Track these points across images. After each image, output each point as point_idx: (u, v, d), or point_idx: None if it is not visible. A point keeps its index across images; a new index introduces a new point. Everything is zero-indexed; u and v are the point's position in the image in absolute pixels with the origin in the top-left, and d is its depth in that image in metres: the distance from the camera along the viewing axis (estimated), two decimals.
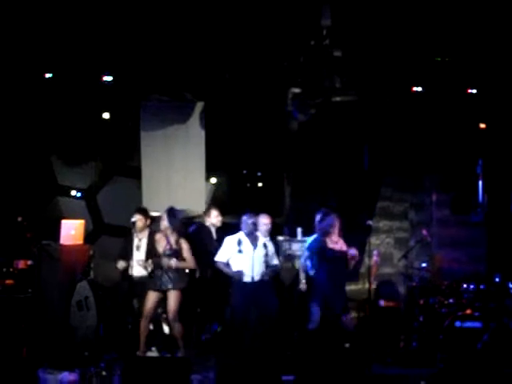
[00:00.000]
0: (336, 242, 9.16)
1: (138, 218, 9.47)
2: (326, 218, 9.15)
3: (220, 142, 11.15)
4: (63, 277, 9.54)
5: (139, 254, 9.37)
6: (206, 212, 10.07)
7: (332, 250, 9.07)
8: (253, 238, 9.13)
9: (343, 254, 9.09)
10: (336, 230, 9.14)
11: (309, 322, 8.98)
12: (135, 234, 9.53)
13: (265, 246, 9.08)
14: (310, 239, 9.40)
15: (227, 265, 9.14)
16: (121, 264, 9.51)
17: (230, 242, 9.19)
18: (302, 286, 9.15)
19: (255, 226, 9.13)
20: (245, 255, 9.02)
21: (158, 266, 8.89)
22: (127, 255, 9.49)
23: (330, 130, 11.01)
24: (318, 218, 9.28)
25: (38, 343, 8.87)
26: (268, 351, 8.59)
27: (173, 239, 8.95)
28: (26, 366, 8.11)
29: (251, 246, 9.07)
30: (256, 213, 9.33)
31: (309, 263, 9.17)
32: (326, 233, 9.10)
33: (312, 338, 8.88)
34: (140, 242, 9.51)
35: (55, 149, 11.55)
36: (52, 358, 8.64)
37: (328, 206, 9.55)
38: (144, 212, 9.66)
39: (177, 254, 8.90)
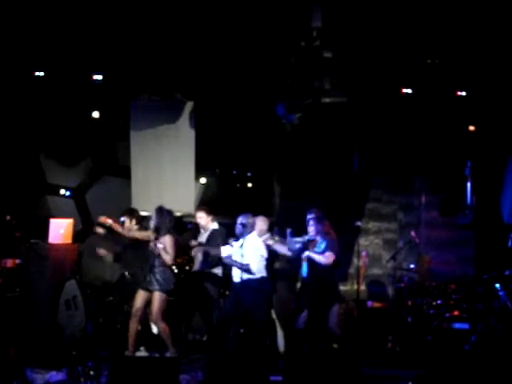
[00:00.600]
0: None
1: (124, 219, 9.46)
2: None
3: (210, 142, 11.16)
4: (51, 276, 9.52)
5: None
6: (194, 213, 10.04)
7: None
8: (241, 238, 9.06)
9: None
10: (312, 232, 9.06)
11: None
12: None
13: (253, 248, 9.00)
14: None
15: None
16: (102, 251, 9.49)
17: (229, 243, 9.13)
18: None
19: (252, 227, 9.07)
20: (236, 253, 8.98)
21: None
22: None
23: (320, 131, 11.03)
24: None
25: (25, 342, 8.83)
26: (256, 351, 8.59)
27: (157, 237, 8.90)
28: (13, 365, 8.07)
29: (238, 247, 9.00)
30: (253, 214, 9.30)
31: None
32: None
33: (300, 337, 8.90)
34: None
35: (44, 147, 11.54)
36: (40, 358, 8.62)
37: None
38: (130, 212, 9.63)
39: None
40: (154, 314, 8.83)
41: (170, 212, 9.03)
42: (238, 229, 8.97)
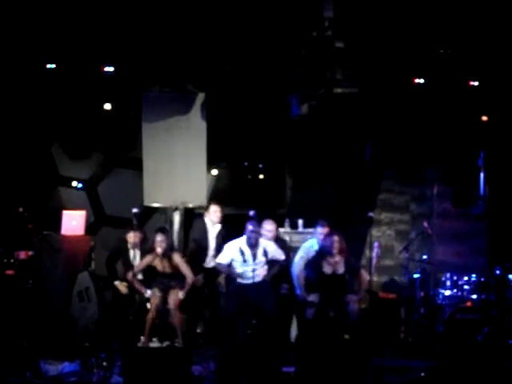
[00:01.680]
0: (335, 263, 9.07)
1: (129, 235, 9.52)
2: (328, 239, 9.09)
3: (221, 133, 11.14)
4: (64, 267, 9.56)
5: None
6: (207, 208, 10.04)
7: (325, 276, 9.01)
8: (254, 247, 9.04)
9: (336, 277, 9.01)
10: (336, 251, 9.00)
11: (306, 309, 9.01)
12: (130, 247, 9.60)
13: (265, 253, 9.02)
14: (310, 243, 9.43)
15: (229, 266, 9.12)
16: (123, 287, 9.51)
17: (231, 249, 9.09)
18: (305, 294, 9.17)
19: (258, 234, 9.08)
20: (247, 264, 9.02)
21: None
22: (126, 265, 9.53)
23: (332, 121, 11.00)
24: (318, 230, 9.31)
25: (38, 334, 8.88)
26: (268, 343, 8.59)
27: (169, 262, 8.95)
28: (26, 356, 8.12)
29: (251, 257, 9.03)
30: (259, 219, 9.29)
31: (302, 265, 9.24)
32: (324, 253, 9.06)
33: (311, 328, 8.90)
34: (135, 257, 9.58)
35: (56, 139, 11.56)
36: (53, 349, 8.65)
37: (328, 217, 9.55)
38: (136, 228, 9.66)
39: (175, 275, 8.94)
40: (175, 302, 8.84)
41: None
42: (252, 238, 8.95)
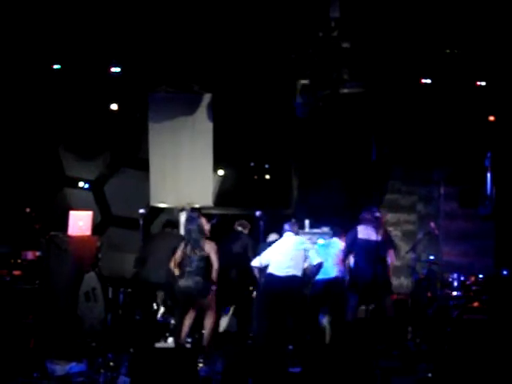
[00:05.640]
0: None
1: None
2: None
3: (228, 133, 11.15)
4: (71, 268, 9.56)
5: None
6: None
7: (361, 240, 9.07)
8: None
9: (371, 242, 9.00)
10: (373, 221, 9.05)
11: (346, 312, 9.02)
12: None
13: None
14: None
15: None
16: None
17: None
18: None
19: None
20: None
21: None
22: None
23: (338, 122, 11.00)
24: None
25: (45, 334, 8.89)
26: (275, 344, 8.59)
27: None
28: (33, 356, 8.13)
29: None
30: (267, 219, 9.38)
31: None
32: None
33: (348, 330, 8.91)
34: None
35: (63, 140, 11.58)
36: (60, 349, 8.66)
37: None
38: None
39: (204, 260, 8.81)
40: (210, 304, 8.79)
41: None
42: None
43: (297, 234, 9.19)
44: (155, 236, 10.04)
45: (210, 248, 8.67)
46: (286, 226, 9.14)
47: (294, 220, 9.35)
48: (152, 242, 9.57)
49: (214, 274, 8.61)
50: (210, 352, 8.60)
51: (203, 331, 8.87)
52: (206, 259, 8.64)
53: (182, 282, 8.60)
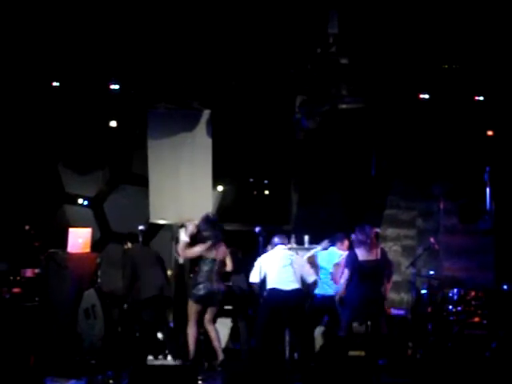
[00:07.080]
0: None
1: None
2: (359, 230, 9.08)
3: (227, 149, 11.16)
4: (71, 285, 9.54)
5: None
6: None
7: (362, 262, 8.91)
8: None
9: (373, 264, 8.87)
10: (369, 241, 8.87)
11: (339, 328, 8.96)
12: None
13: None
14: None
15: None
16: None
17: None
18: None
19: None
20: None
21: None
22: None
23: (337, 137, 11.02)
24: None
25: (45, 351, 8.86)
26: (275, 359, 8.56)
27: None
28: (33, 374, 8.09)
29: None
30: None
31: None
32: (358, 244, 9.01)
33: (341, 345, 8.86)
34: None
35: (62, 157, 11.59)
36: (59, 366, 8.64)
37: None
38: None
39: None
40: (209, 318, 8.92)
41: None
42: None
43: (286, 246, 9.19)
44: (137, 252, 9.83)
45: (226, 252, 9.05)
46: (276, 239, 9.07)
47: (283, 235, 9.30)
48: (138, 259, 9.48)
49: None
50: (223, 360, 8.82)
51: (213, 343, 8.95)
52: (222, 263, 9.00)
53: (206, 286, 8.81)
